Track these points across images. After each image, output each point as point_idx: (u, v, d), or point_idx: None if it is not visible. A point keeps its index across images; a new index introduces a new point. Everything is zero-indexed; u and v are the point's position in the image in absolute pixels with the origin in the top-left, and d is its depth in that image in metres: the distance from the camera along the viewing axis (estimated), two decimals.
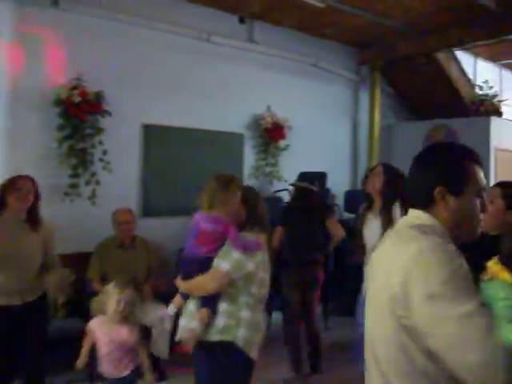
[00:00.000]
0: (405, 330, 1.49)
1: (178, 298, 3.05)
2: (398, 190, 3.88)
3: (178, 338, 2.92)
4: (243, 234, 2.89)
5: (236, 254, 2.80)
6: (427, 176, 1.69)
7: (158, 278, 5.15)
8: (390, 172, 4.04)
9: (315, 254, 5.14)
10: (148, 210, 6.18)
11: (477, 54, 9.20)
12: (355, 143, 8.79)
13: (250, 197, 3.03)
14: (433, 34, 7.53)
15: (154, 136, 6.26)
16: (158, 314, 4.82)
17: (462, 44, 7.89)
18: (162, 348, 4.84)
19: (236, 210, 2.92)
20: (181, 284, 2.97)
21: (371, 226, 3.92)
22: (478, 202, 1.67)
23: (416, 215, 1.68)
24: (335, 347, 5.83)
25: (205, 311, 2.82)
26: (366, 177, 4.24)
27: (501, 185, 3.09)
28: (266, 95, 7.29)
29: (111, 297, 3.50)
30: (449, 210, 1.64)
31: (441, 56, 8.24)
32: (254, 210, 3.00)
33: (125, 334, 3.53)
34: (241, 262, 2.80)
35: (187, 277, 2.94)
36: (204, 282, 2.83)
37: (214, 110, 6.72)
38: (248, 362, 2.87)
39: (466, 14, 6.86)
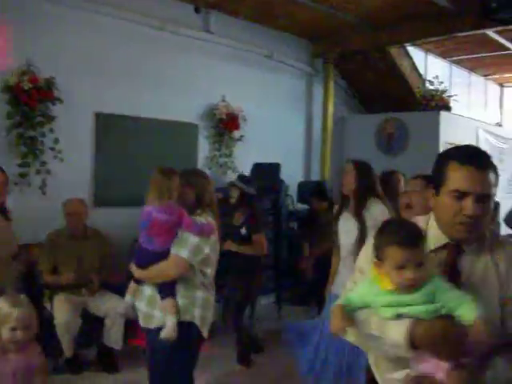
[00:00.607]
0: None
1: (132, 285, 3.06)
2: (371, 186, 3.89)
3: (162, 336, 2.89)
4: (195, 218, 2.95)
5: (194, 240, 2.88)
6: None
7: (112, 268, 5.10)
8: (361, 168, 3.96)
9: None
10: (100, 200, 6.07)
11: (428, 50, 9.39)
12: (309, 134, 8.86)
13: (197, 181, 3.10)
14: (385, 29, 7.64)
15: (107, 125, 6.15)
16: (111, 305, 4.81)
17: (413, 40, 8.07)
18: (115, 339, 4.83)
19: (181, 197, 2.97)
20: (137, 271, 2.99)
21: (347, 226, 3.86)
22: (453, 202, 1.69)
23: None
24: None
25: (170, 302, 2.88)
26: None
27: (421, 177, 3.28)
28: (221, 85, 7.26)
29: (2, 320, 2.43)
30: (433, 208, 1.79)
31: (393, 51, 8.38)
32: (202, 194, 3.06)
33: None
34: (199, 247, 2.90)
35: (143, 268, 2.97)
36: (165, 270, 2.90)
37: (168, 100, 6.65)
38: (201, 339, 3.01)
39: (417, 10, 7.00)
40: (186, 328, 2.91)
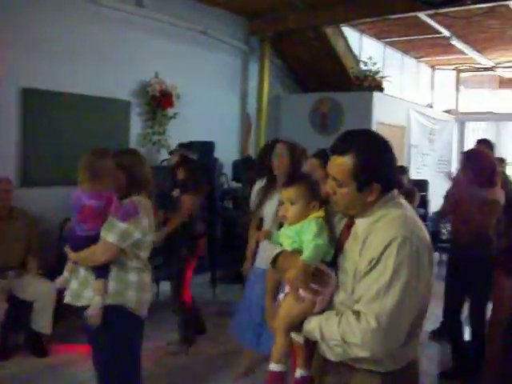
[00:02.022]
0: None
1: (69, 264, 3.01)
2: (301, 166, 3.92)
3: (86, 314, 2.83)
4: (124, 202, 2.89)
5: (121, 225, 2.83)
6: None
7: (41, 250, 4.94)
8: (294, 150, 4.00)
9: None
10: (28, 180, 5.82)
11: (363, 31, 9.48)
12: (244, 113, 8.81)
13: (130, 162, 3.03)
14: (321, 9, 7.66)
15: (35, 101, 5.88)
16: (40, 288, 4.67)
17: (348, 20, 8.12)
18: (44, 323, 4.70)
19: (114, 179, 2.90)
20: (71, 254, 2.94)
21: (272, 203, 3.86)
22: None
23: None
24: (222, 315, 5.90)
25: (100, 283, 2.85)
26: (265, 152, 4.18)
27: (318, 155, 3.48)
28: (154, 62, 7.08)
29: None
30: None
31: (328, 31, 8.41)
32: (134, 176, 2.99)
33: None
34: (127, 232, 2.85)
35: (75, 251, 2.93)
36: (95, 254, 2.85)
37: (99, 76, 6.43)
38: (139, 321, 3.02)
39: None
40: (118, 311, 2.89)
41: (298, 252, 1.95)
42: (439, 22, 8.37)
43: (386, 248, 1.77)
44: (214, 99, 8.03)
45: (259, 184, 4.20)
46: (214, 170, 7.22)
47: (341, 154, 1.86)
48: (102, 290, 2.84)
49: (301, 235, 1.98)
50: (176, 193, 4.99)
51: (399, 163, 8.98)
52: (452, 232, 5.06)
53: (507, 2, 7.13)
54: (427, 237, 1.87)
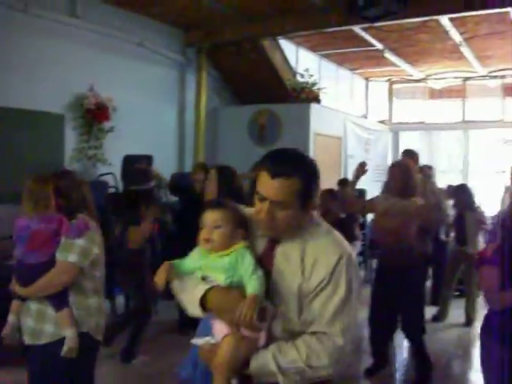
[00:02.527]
0: None
1: (15, 303, 2.87)
2: (235, 190, 3.93)
3: (65, 350, 2.71)
4: (76, 220, 2.84)
5: (79, 242, 2.78)
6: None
7: None
8: (223, 174, 4.03)
9: None
10: None
11: (299, 44, 9.58)
12: (181, 126, 8.73)
13: (65, 185, 2.95)
14: (258, 21, 7.70)
15: None
16: None
17: (285, 33, 8.20)
18: None
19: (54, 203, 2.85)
20: (22, 289, 2.81)
21: None
22: (257, 201, 1.85)
23: None
24: (164, 331, 5.78)
25: (65, 313, 2.76)
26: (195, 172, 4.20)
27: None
28: (89, 74, 6.91)
29: None
30: None
31: (265, 43, 8.46)
32: (71, 199, 2.92)
33: None
34: (87, 249, 2.81)
35: (28, 284, 2.79)
36: (55, 278, 2.76)
37: (31, 88, 6.21)
38: (97, 344, 2.96)
39: (290, 5, 7.13)
40: (81, 339, 2.79)
41: (235, 288, 1.82)
42: (373, 36, 8.56)
43: (335, 267, 1.80)
44: (152, 112, 7.92)
45: None
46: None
47: (287, 177, 1.80)
48: (70, 320, 2.75)
49: (238, 268, 1.82)
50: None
51: (337, 174, 9.11)
52: (379, 243, 5.13)
53: (437, 17, 7.37)
54: None
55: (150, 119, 7.86)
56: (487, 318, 3.10)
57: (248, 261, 1.82)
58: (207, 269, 1.87)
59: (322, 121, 9.14)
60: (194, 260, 1.92)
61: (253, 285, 1.78)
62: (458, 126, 12.19)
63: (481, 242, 6.50)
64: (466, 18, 7.59)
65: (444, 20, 7.60)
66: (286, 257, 1.86)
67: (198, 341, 1.87)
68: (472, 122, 11.93)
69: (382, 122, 12.45)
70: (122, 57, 7.45)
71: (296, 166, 1.84)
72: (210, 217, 1.87)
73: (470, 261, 6.30)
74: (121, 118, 7.16)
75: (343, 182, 7.21)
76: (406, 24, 7.68)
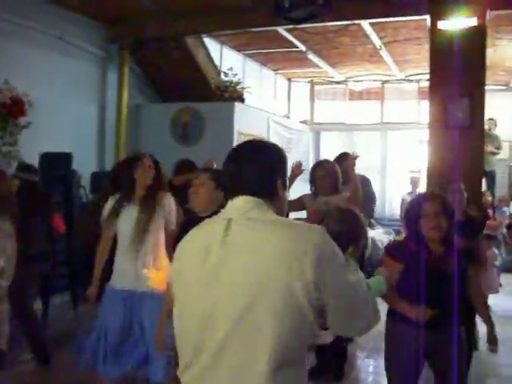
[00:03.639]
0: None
1: None
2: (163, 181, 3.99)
3: None
4: None
5: None
6: (270, 170, 1.77)
7: None
8: (156, 163, 3.99)
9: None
10: None
11: (223, 42, 9.55)
12: (102, 123, 8.48)
13: None
14: (183, 18, 7.61)
15: None
16: None
17: (210, 31, 8.15)
18: None
19: None
20: None
21: (129, 216, 3.75)
22: None
23: (256, 204, 1.71)
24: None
25: None
26: (130, 163, 4.03)
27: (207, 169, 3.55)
28: (4, 67, 6.57)
29: None
30: (281, 200, 1.79)
31: (189, 41, 8.38)
32: None
33: None
34: None
35: None
36: None
37: None
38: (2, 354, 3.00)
39: (215, 2, 7.10)
40: None
41: None
42: (296, 37, 8.65)
43: None
44: (71, 108, 7.65)
45: (112, 200, 3.97)
46: (72, 183, 6.89)
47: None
48: None
49: None
50: None
51: None
52: None
53: (358, 22, 7.55)
54: None
55: (69, 116, 7.59)
56: None
57: None
58: None
59: (245, 120, 9.16)
60: None
61: None
62: (376, 127, 12.55)
63: None
64: (385, 23, 7.83)
65: (365, 24, 7.79)
66: None
67: None
68: (390, 123, 12.32)
69: (303, 122, 12.63)
70: (40, 50, 7.14)
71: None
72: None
73: None
74: (38, 113, 6.86)
75: None
76: (328, 27, 7.83)
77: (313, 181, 4.82)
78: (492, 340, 3.32)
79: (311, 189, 4.87)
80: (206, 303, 1.62)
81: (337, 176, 4.73)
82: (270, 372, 1.53)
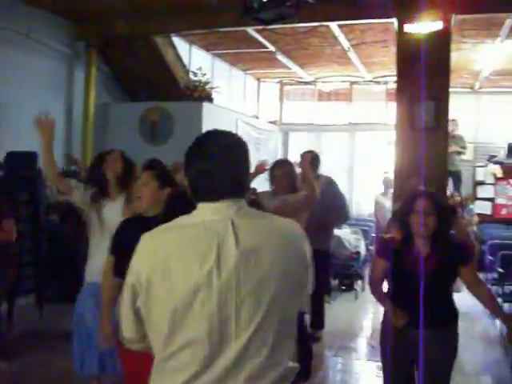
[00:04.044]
0: None
1: None
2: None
3: None
4: None
5: None
6: (244, 168, 1.76)
7: None
8: (126, 157, 4.05)
9: None
10: None
11: (192, 42, 9.52)
12: (69, 122, 8.38)
13: None
14: (151, 17, 7.57)
15: None
16: None
17: (179, 31, 8.13)
18: None
19: None
20: None
21: (111, 210, 3.79)
22: None
23: (241, 204, 1.71)
24: (52, 337, 5.54)
25: None
26: (99, 162, 4.05)
27: (152, 167, 3.43)
28: None
29: None
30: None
31: (158, 40, 8.34)
32: None
33: None
34: None
35: None
36: None
37: None
38: None
39: (185, 2, 7.08)
40: None
41: None
42: (265, 37, 8.68)
43: None
44: (37, 106, 7.45)
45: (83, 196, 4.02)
46: (38, 183, 6.79)
47: None
48: None
49: None
50: None
51: None
52: None
53: (327, 23, 7.61)
54: None
55: (35, 114, 7.46)
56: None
57: None
58: None
59: (214, 120, 9.13)
60: None
61: None
62: (344, 128, 12.68)
63: None
64: (353, 25, 7.91)
65: (333, 26, 7.87)
66: None
67: None
68: (358, 124, 12.45)
69: (272, 122, 12.68)
70: (5, 47, 7.02)
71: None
72: None
73: None
74: (4, 112, 6.76)
75: None
76: (298, 28, 7.87)
77: (271, 180, 4.90)
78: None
79: (270, 187, 4.95)
80: (222, 303, 1.58)
81: (294, 176, 4.83)
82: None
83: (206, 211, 1.68)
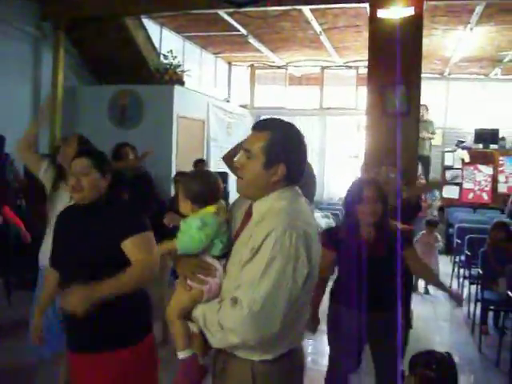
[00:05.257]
0: None
1: None
2: None
3: None
4: None
5: None
6: None
7: None
8: (85, 143, 3.97)
9: None
10: None
11: (163, 24, 9.38)
12: (36, 105, 8.17)
13: None
14: None
15: None
16: None
17: (149, 12, 7.99)
18: None
19: None
20: None
21: (64, 196, 3.72)
22: None
23: None
24: (20, 323, 5.45)
25: None
26: (58, 147, 4.02)
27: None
28: None
29: None
30: None
31: (128, 22, 8.19)
32: None
33: None
34: None
35: None
36: None
37: None
38: None
39: None
40: None
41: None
42: (237, 21, 8.59)
43: (265, 238, 1.84)
44: (3, 89, 7.35)
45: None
46: (5, 167, 6.66)
47: (259, 131, 1.98)
48: None
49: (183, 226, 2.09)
50: None
51: (200, 156, 9.06)
52: None
53: (300, 7, 7.57)
54: (311, 231, 1.91)
55: (1, 97, 7.30)
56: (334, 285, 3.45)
57: (190, 223, 2.08)
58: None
59: (185, 103, 9.07)
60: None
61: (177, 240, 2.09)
62: (315, 112, 12.69)
63: None
64: (325, 10, 7.87)
65: (306, 10, 7.82)
66: (251, 220, 2.01)
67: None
68: (329, 108, 12.47)
69: (243, 106, 12.61)
70: None
71: (270, 124, 2.01)
72: None
73: None
74: None
75: (199, 163, 7.33)
76: (270, 11, 7.82)
77: None
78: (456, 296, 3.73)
79: None
80: None
81: None
82: None
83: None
